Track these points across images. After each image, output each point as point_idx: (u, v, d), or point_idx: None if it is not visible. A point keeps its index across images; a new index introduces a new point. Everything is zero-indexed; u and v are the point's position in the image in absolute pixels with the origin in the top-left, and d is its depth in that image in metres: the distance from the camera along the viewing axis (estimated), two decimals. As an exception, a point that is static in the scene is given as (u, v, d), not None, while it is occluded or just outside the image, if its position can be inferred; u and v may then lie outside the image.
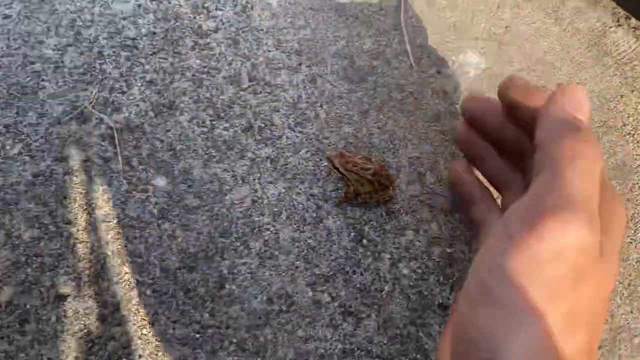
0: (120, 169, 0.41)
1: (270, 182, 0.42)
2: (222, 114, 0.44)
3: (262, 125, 0.44)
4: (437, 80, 0.48)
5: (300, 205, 0.41)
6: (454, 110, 0.47)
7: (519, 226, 0.24)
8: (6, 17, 0.46)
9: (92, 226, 0.38)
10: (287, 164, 0.43)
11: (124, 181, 0.40)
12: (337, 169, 0.40)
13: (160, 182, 0.41)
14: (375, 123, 0.45)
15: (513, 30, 0.52)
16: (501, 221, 0.26)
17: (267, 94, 0.46)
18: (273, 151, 0.43)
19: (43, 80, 0.43)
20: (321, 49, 0.48)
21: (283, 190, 0.42)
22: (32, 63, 0.44)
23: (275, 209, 0.41)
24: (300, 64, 0.47)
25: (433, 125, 0.46)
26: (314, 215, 0.41)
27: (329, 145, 0.44)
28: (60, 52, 0.45)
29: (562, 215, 0.23)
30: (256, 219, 0.40)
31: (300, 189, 0.42)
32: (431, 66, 0.49)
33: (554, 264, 0.23)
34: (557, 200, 0.24)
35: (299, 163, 0.43)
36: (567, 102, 0.27)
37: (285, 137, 0.44)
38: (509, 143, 0.34)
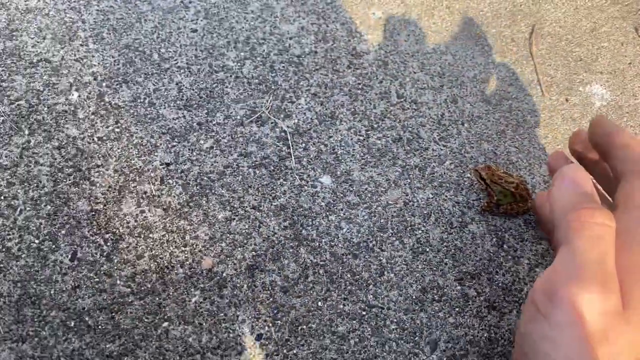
0: (293, 166, 0.47)
1: (419, 188, 0.48)
2: (375, 125, 0.51)
3: (410, 137, 0.50)
4: (566, 108, 0.53)
5: (447, 210, 0.47)
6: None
7: (542, 297, 0.29)
8: (193, 30, 0.54)
9: (273, 212, 0.45)
10: (433, 173, 0.48)
11: (297, 177, 0.47)
12: (484, 179, 0.46)
13: (326, 180, 0.47)
14: (512, 142, 0.50)
15: (636, 66, 0.56)
16: (530, 292, 0.31)
17: (413, 110, 0.52)
18: (420, 161, 0.49)
19: (226, 87, 0.51)
20: (461, 73, 0.54)
21: (431, 196, 0.47)
22: (217, 72, 0.52)
23: (425, 212, 0.46)
24: (442, 86, 0.53)
25: (564, 149, 0.51)
26: (460, 220, 0.46)
27: (471, 159, 0.49)
28: (239, 64, 0.53)
29: (573, 284, 0.27)
30: (408, 218, 0.46)
31: (446, 196, 0.47)
32: (560, 94, 0.54)
33: (573, 329, 0.26)
34: (569, 271, 0.28)
35: (444, 173, 0.48)
36: (568, 183, 0.32)
37: (431, 149, 0.50)
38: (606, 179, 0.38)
